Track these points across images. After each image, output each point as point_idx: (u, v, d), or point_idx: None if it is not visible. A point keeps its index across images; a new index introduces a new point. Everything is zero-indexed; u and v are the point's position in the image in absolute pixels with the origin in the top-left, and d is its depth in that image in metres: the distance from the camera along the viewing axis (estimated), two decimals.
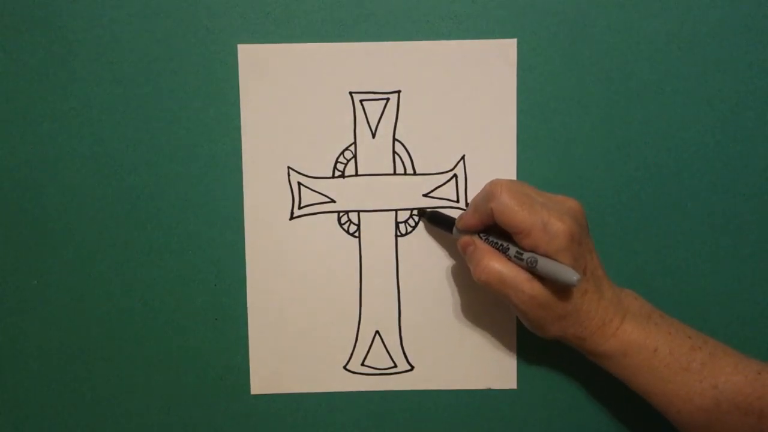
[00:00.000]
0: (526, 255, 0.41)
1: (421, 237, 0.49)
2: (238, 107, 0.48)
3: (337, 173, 0.48)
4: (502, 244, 0.43)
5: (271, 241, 0.49)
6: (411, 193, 0.49)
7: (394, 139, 0.48)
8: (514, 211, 0.41)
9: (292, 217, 0.49)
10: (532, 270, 0.41)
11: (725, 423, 0.40)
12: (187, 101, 0.48)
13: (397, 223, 0.49)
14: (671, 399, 0.41)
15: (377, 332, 0.49)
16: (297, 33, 0.47)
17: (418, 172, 0.48)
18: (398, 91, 0.48)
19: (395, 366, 0.49)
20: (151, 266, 0.49)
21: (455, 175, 0.48)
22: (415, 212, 0.49)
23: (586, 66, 0.47)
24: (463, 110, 0.46)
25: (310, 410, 0.50)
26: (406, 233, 0.49)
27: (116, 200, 0.48)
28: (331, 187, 0.48)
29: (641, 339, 0.42)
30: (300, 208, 0.49)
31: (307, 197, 0.48)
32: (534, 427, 0.50)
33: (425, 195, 0.48)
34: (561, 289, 0.41)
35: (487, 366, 0.49)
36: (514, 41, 0.47)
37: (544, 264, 0.40)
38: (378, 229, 0.49)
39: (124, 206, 0.48)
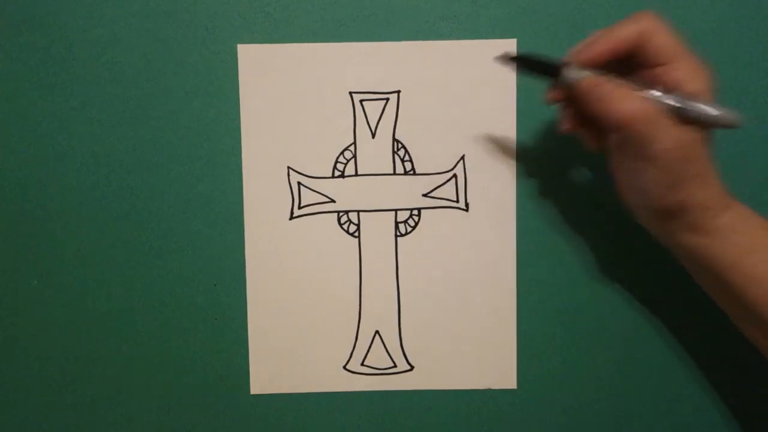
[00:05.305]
0: (674, 94, 0.36)
1: (421, 237, 0.49)
2: (238, 107, 0.48)
3: (336, 173, 0.48)
4: (638, 83, 0.37)
5: (271, 241, 0.49)
6: (411, 193, 0.48)
7: (394, 139, 0.48)
8: (670, 34, 0.36)
9: (292, 217, 0.49)
10: (678, 112, 0.36)
11: None
12: (187, 101, 0.48)
13: (397, 223, 0.49)
14: None
15: (377, 332, 0.49)
16: (297, 33, 0.47)
17: (417, 172, 0.48)
18: (398, 91, 0.48)
19: (395, 366, 0.49)
20: (151, 266, 0.49)
21: (455, 175, 0.48)
22: (415, 212, 0.49)
23: None
24: (462, 110, 0.46)
25: (310, 410, 0.50)
26: (406, 233, 0.49)
27: (116, 200, 0.48)
28: (331, 187, 0.48)
29: (751, 213, 0.39)
30: (300, 208, 0.49)
31: (307, 197, 0.48)
32: (534, 427, 0.50)
33: (425, 195, 0.48)
34: (706, 140, 0.37)
35: (487, 366, 0.49)
36: (514, 41, 0.47)
37: (698, 104, 0.35)
38: (378, 229, 0.49)
39: (124, 206, 0.48)
